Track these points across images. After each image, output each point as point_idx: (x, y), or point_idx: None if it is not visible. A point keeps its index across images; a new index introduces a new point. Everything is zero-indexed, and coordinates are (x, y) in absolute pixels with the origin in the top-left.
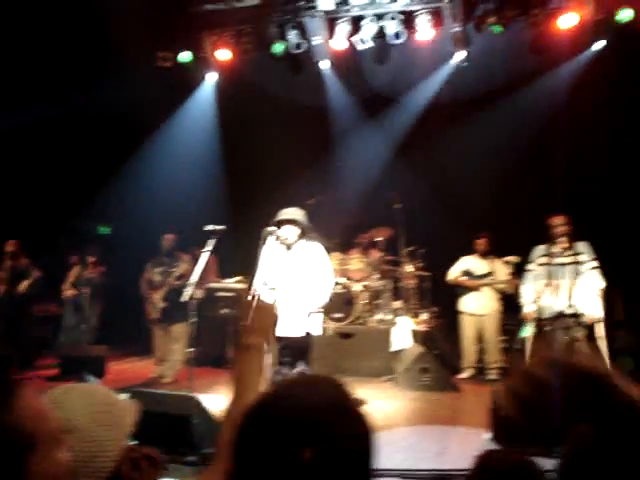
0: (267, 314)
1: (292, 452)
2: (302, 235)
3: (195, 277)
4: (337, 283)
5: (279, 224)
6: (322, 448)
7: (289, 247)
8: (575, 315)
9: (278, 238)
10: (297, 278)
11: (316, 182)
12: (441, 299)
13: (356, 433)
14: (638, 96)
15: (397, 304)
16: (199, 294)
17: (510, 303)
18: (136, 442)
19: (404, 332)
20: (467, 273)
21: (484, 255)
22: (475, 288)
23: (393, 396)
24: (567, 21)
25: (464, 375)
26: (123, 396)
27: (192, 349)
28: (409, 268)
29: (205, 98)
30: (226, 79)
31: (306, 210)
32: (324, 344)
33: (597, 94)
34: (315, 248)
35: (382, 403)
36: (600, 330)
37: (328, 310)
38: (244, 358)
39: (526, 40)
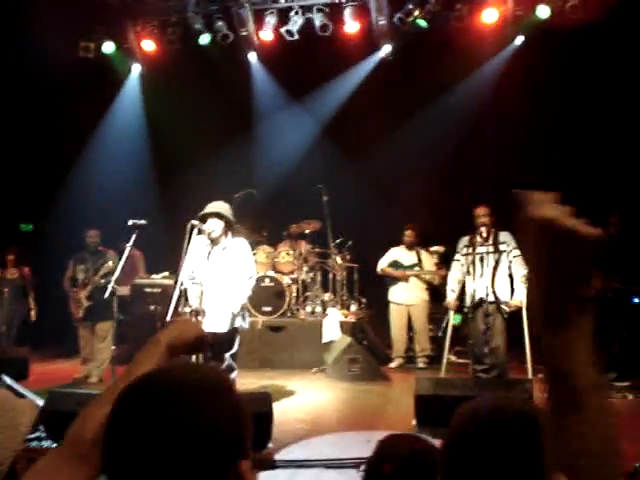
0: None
1: (163, 431)
2: (227, 229)
3: (117, 273)
4: (266, 276)
5: (204, 218)
6: (192, 426)
7: (214, 241)
8: (496, 302)
9: (202, 232)
10: (222, 273)
11: (243, 175)
12: (370, 290)
13: (227, 416)
14: (557, 90)
15: (326, 296)
16: (125, 291)
17: (437, 293)
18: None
19: (334, 324)
20: (395, 264)
21: (411, 246)
22: (403, 278)
23: (323, 387)
24: (490, 16)
25: (394, 364)
26: (31, 396)
27: (115, 347)
28: (338, 260)
29: (131, 90)
30: (151, 70)
31: (233, 203)
32: (254, 338)
33: (518, 89)
34: (239, 243)
35: (312, 394)
36: (524, 316)
37: (258, 303)
38: (150, 349)
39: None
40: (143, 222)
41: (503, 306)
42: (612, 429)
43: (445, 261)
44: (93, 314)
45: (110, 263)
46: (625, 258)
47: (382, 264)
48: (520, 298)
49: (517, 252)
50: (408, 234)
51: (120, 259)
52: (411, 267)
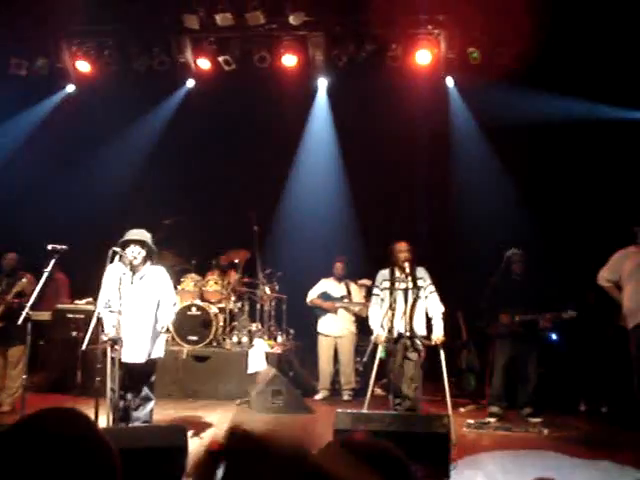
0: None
1: None
2: (148, 257)
3: (33, 298)
4: (193, 305)
5: (125, 245)
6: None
7: (134, 269)
8: (411, 337)
9: (124, 259)
10: (140, 302)
11: (173, 202)
12: (298, 321)
13: (98, 465)
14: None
15: (254, 326)
16: (46, 316)
17: (365, 325)
18: None
19: (260, 354)
20: (324, 295)
21: (340, 278)
22: (332, 310)
23: (245, 419)
24: (423, 58)
25: (319, 396)
26: None
27: (26, 376)
28: (266, 290)
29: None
30: (84, 92)
31: (162, 229)
32: (178, 367)
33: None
34: (158, 271)
35: None
36: (441, 351)
37: (183, 332)
38: None
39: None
40: (63, 247)
41: (418, 341)
42: None
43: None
44: (5, 338)
45: (24, 280)
46: (528, 294)
47: (312, 295)
48: (440, 333)
49: (433, 288)
50: (338, 266)
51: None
52: (340, 299)
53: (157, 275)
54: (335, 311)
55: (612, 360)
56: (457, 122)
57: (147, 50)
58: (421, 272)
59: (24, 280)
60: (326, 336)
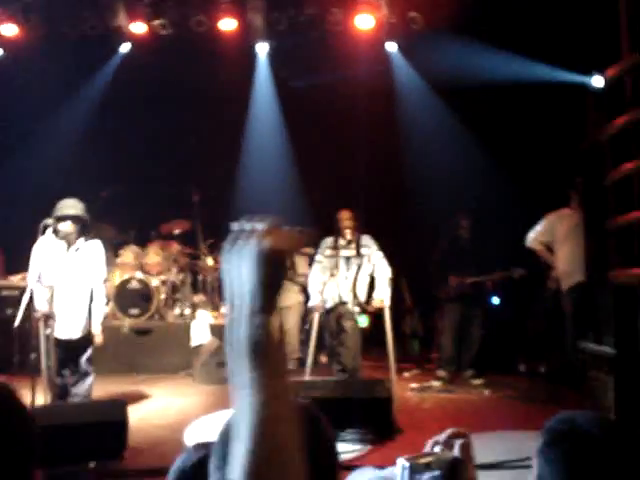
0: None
1: None
2: (82, 230)
3: None
4: (133, 278)
5: (59, 218)
6: None
7: (68, 242)
8: (357, 304)
9: (57, 232)
10: (75, 276)
11: (111, 173)
12: None
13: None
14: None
15: (197, 298)
16: None
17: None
18: None
19: (204, 326)
20: None
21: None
22: None
23: (189, 391)
24: (364, 22)
25: None
26: None
27: None
28: (209, 261)
29: None
30: (11, 57)
31: (100, 201)
32: (120, 341)
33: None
34: (93, 245)
35: (177, 399)
36: (387, 316)
37: (124, 306)
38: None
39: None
40: None
41: (357, 308)
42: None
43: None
44: None
45: None
46: (475, 256)
47: None
48: (382, 297)
49: (380, 254)
50: None
51: None
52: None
53: (91, 249)
54: None
55: (549, 321)
56: (401, 86)
57: (77, 13)
58: (366, 240)
59: None
60: None
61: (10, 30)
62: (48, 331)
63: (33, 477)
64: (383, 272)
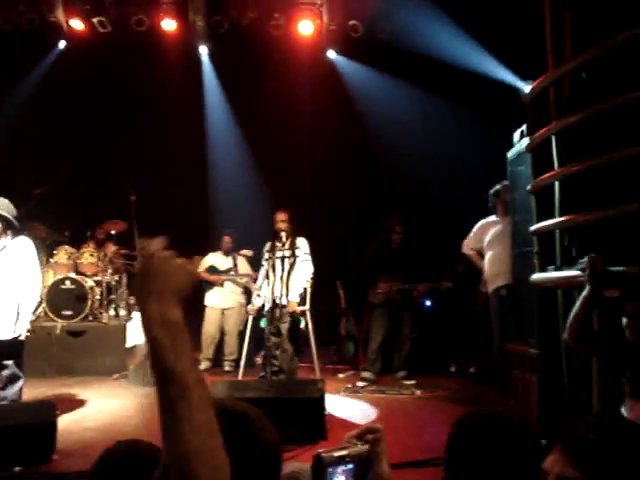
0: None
1: None
2: (7, 227)
3: None
4: (67, 278)
5: None
6: None
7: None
8: (284, 307)
9: None
10: (2, 276)
11: (45, 171)
12: (195, 293)
13: None
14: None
15: (132, 299)
16: None
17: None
18: None
19: (139, 328)
20: (211, 269)
21: (228, 252)
22: (218, 283)
23: (122, 394)
24: (305, 28)
25: (201, 367)
26: None
27: None
28: None
29: None
30: None
31: (34, 199)
32: (51, 343)
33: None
34: (22, 242)
35: (109, 401)
36: (307, 318)
37: (57, 307)
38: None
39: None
40: None
41: (287, 309)
42: (213, 422)
43: (254, 264)
44: None
45: None
46: (405, 262)
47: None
48: (293, 299)
49: (307, 257)
50: (226, 240)
51: None
52: (226, 272)
53: (19, 247)
54: (221, 284)
55: (478, 324)
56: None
57: (13, 6)
58: (300, 242)
59: None
60: (212, 308)
61: None
62: None
63: None
64: (300, 273)
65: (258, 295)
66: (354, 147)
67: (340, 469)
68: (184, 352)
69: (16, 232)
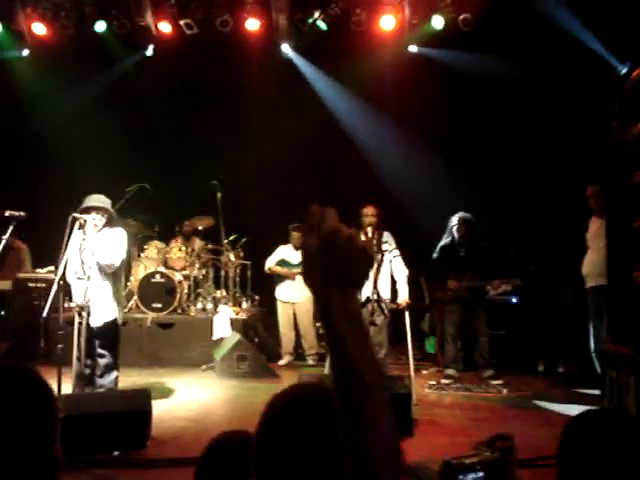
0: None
1: None
2: (108, 223)
3: None
4: (157, 272)
5: (85, 211)
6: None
7: (95, 235)
8: (378, 301)
9: (83, 226)
10: (98, 263)
11: (134, 169)
12: (263, 287)
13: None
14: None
15: (218, 293)
16: (7, 285)
17: None
18: None
19: (225, 321)
20: (283, 262)
21: (298, 246)
22: (290, 277)
23: (210, 384)
24: (387, 23)
25: (283, 362)
26: None
27: None
28: (231, 257)
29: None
30: (41, 56)
31: (125, 197)
32: (143, 335)
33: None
34: (115, 232)
35: (198, 392)
36: (406, 314)
37: (147, 300)
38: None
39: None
40: (21, 214)
41: (383, 305)
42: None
43: None
44: None
45: None
46: (475, 260)
47: (270, 263)
48: (404, 297)
49: (397, 252)
50: (294, 235)
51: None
52: (298, 266)
53: (113, 234)
54: (293, 278)
55: (569, 321)
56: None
57: (105, 12)
58: (386, 236)
59: None
60: (284, 302)
61: (40, 29)
62: (81, 322)
63: (56, 455)
64: (400, 271)
65: None
66: (443, 141)
67: (470, 477)
68: (366, 348)
69: (114, 225)
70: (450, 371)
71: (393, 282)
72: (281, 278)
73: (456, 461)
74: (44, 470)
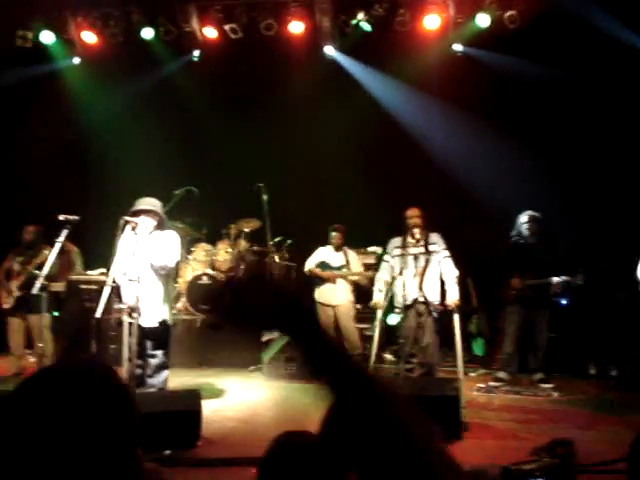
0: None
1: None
2: (158, 226)
3: (46, 269)
4: (204, 274)
5: (136, 214)
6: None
7: (146, 238)
8: (425, 303)
9: (134, 228)
10: (151, 264)
11: (182, 172)
12: (310, 289)
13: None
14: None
15: None
16: (60, 287)
17: (364, 293)
18: None
19: None
20: (323, 265)
21: (338, 247)
22: (331, 279)
23: (259, 385)
24: (431, 22)
25: None
26: None
27: (41, 344)
28: (276, 258)
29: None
30: (91, 63)
31: (172, 200)
32: (192, 336)
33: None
34: (167, 235)
35: (247, 393)
36: (456, 317)
37: (195, 302)
38: None
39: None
40: (75, 217)
41: (432, 307)
42: None
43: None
44: (24, 306)
45: (45, 252)
46: (540, 258)
47: (309, 265)
48: (454, 298)
49: (447, 253)
50: (334, 235)
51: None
52: (339, 268)
53: (164, 237)
54: (334, 281)
55: (621, 324)
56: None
57: (152, 19)
58: (434, 238)
59: (45, 252)
60: (324, 305)
61: (89, 38)
62: (132, 323)
63: (137, 456)
64: (450, 272)
65: (380, 290)
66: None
67: None
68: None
69: (164, 227)
70: (501, 374)
71: (442, 283)
72: (321, 280)
73: (515, 467)
74: (128, 473)
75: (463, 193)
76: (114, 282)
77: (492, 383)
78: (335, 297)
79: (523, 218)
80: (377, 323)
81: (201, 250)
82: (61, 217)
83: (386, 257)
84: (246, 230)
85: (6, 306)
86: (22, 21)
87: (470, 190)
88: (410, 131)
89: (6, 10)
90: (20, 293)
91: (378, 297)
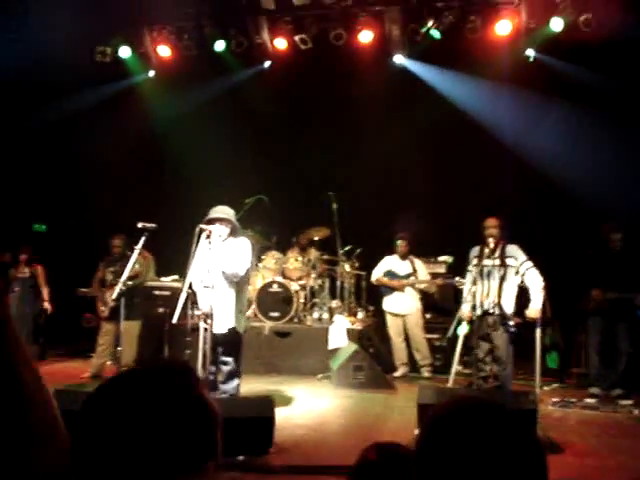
0: None
1: (127, 430)
2: (232, 234)
3: (125, 275)
4: (274, 282)
5: (210, 222)
6: (158, 426)
7: (219, 245)
8: (500, 315)
9: (209, 236)
10: (223, 271)
11: (253, 181)
12: (378, 298)
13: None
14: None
15: (334, 303)
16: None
17: (431, 302)
18: None
19: (341, 331)
20: (390, 273)
21: (404, 256)
22: (399, 288)
23: (327, 394)
24: (503, 28)
25: (398, 373)
26: None
27: (120, 348)
28: (346, 267)
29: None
30: (166, 75)
31: (243, 208)
32: (261, 343)
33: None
34: (240, 242)
35: (316, 400)
36: (538, 328)
37: (265, 309)
38: None
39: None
40: (153, 225)
41: (508, 319)
42: None
43: (453, 271)
44: (118, 314)
45: (137, 266)
46: (624, 270)
47: (376, 274)
48: (537, 308)
49: (530, 263)
50: (400, 244)
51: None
52: (406, 277)
53: (236, 245)
54: (402, 289)
55: None
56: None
57: (224, 32)
58: (512, 250)
59: (137, 266)
60: (394, 315)
61: (164, 51)
62: (206, 329)
63: (209, 469)
64: (535, 282)
65: (467, 301)
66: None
67: None
68: None
69: (237, 235)
70: (595, 390)
71: (519, 295)
72: (389, 290)
73: None
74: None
75: (541, 200)
76: (190, 289)
77: (588, 400)
78: (404, 306)
79: (608, 228)
80: (460, 335)
81: (271, 258)
82: (140, 225)
83: (469, 267)
84: (316, 238)
85: (103, 315)
86: (102, 37)
87: (551, 198)
88: (487, 133)
89: (87, 28)
90: (114, 303)
91: (465, 308)
